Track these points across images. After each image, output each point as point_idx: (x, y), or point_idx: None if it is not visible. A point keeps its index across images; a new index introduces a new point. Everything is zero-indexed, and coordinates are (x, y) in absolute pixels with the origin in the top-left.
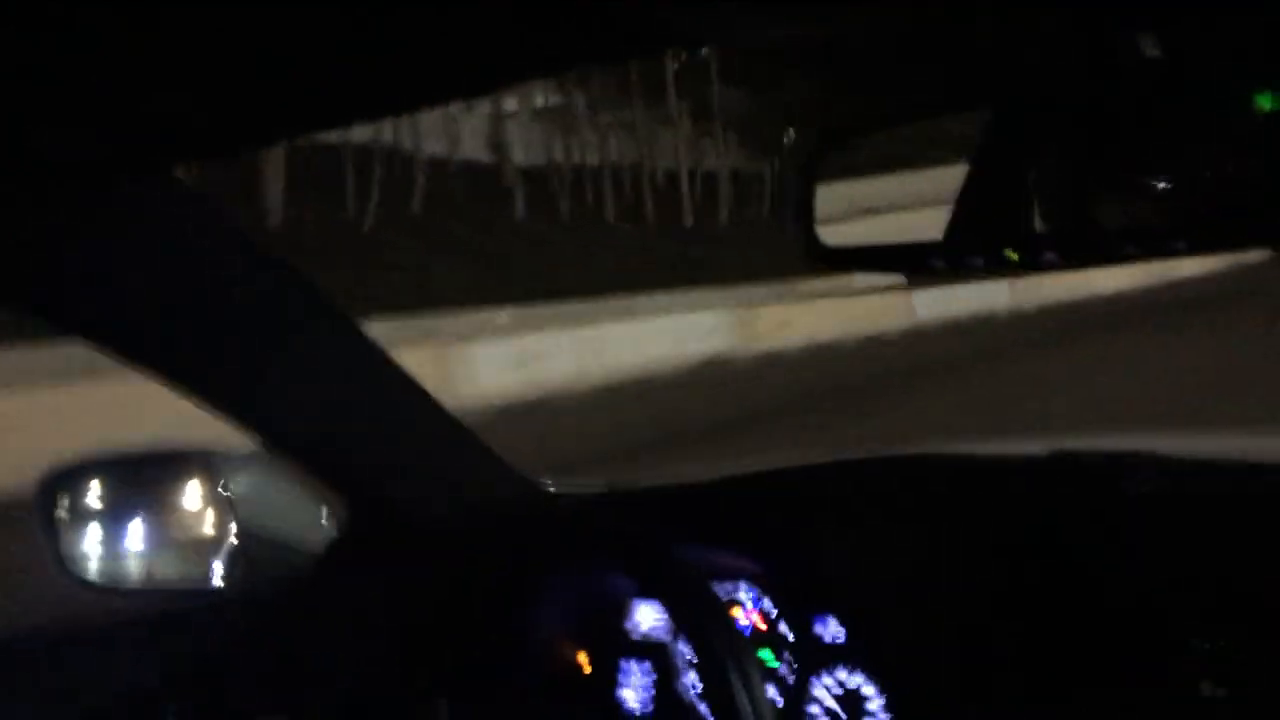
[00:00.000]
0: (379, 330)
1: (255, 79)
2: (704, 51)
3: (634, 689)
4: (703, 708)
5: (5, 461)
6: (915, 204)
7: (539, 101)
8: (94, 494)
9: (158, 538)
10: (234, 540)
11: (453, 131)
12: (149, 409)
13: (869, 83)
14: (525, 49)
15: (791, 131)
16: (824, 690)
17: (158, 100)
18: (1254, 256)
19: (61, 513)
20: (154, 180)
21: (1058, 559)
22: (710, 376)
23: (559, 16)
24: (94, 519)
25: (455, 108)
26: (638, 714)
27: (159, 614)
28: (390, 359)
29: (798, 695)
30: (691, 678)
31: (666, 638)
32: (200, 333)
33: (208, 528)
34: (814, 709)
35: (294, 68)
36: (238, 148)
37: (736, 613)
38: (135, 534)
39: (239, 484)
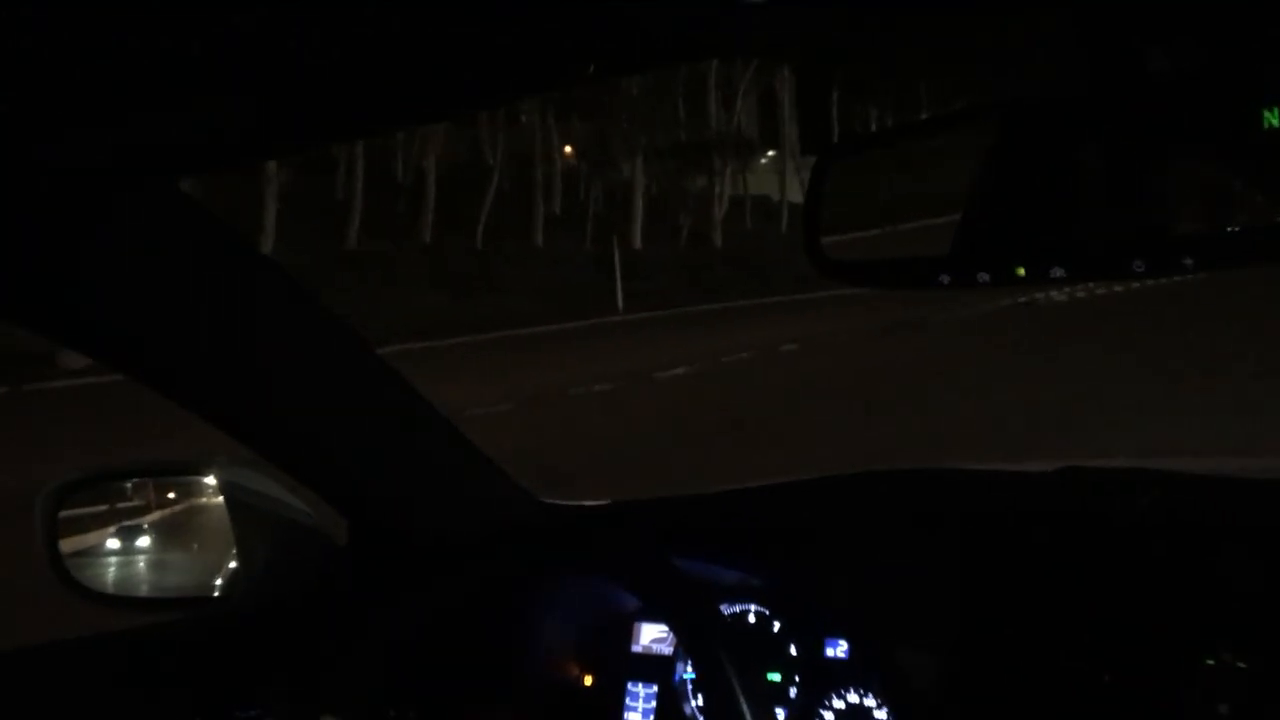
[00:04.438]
0: None
1: (263, 92)
2: None
3: (638, 709)
4: None
5: None
6: None
7: None
8: (96, 505)
9: (159, 549)
10: (235, 552)
11: None
12: None
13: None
14: (539, 59)
15: None
16: (832, 712)
17: (162, 110)
18: None
19: (63, 524)
20: (154, 190)
21: (1067, 576)
22: None
23: (574, 26)
24: (96, 530)
25: None
26: None
27: (161, 624)
28: (394, 372)
29: (805, 717)
30: (697, 699)
31: (671, 656)
32: (200, 347)
33: (209, 539)
34: None
35: (302, 80)
36: (243, 159)
37: (743, 632)
38: (136, 545)
39: (240, 496)
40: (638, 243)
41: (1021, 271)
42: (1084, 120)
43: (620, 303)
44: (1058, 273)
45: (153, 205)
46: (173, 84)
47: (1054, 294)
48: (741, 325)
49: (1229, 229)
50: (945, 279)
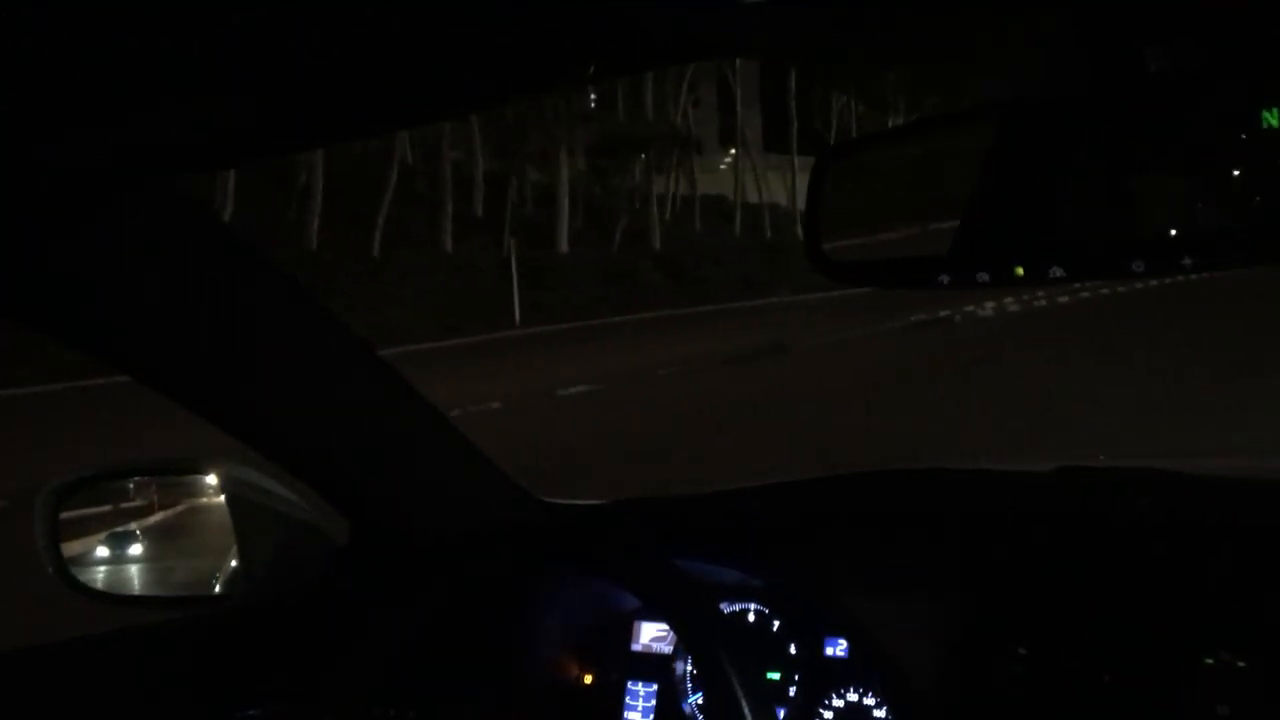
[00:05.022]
0: None
1: (263, 92)
2: None
3: (638, 708)
4: None
5: None
6: None
7: None
8: (96, 505)
9: (152, 553)
10: (234, 550)
11: None
12: None
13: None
14: (539, 59)
15: None
16: (832, 711)
17: (160, 110)
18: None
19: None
20: (154, 190)
21: (1067, 576)
22: None
23: (574, 26)
24: (96, 529)
25: None
26: None
27: (161, 624)
28: (394, 372)
29: (805, 716)
30: (697, 698)
31: (671, 655)
32: (200, 347)
33: (210, 538)
34: None
35: (302, 80)
36: (243, 159)
37: (743, 631)
38: (128, 552)
39: (241, 495)
40: (564, 245)
41: (1020, 271)
42: (1084, 120)
43: (518, 315)
44: (1057, 272)
45: (153, 205)
46: (173, 84)
47: (982, 307)
48: (612, 344)
49: (1228, 229)
50: (945, 279)
